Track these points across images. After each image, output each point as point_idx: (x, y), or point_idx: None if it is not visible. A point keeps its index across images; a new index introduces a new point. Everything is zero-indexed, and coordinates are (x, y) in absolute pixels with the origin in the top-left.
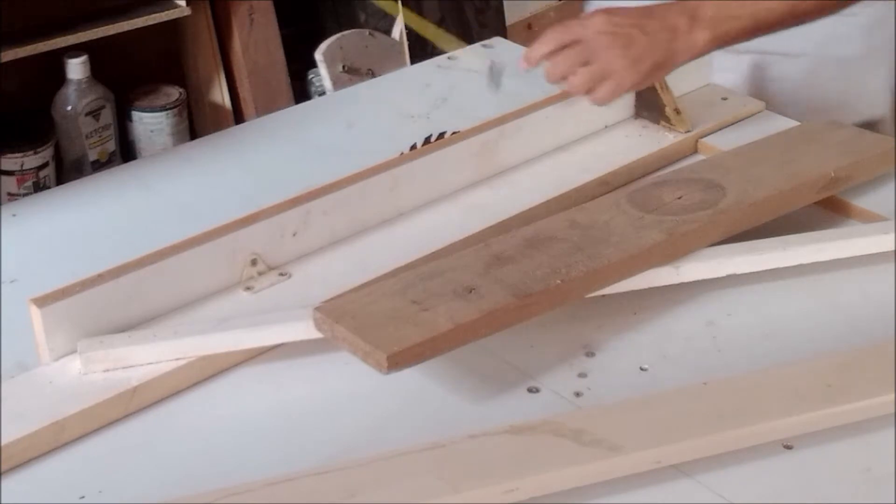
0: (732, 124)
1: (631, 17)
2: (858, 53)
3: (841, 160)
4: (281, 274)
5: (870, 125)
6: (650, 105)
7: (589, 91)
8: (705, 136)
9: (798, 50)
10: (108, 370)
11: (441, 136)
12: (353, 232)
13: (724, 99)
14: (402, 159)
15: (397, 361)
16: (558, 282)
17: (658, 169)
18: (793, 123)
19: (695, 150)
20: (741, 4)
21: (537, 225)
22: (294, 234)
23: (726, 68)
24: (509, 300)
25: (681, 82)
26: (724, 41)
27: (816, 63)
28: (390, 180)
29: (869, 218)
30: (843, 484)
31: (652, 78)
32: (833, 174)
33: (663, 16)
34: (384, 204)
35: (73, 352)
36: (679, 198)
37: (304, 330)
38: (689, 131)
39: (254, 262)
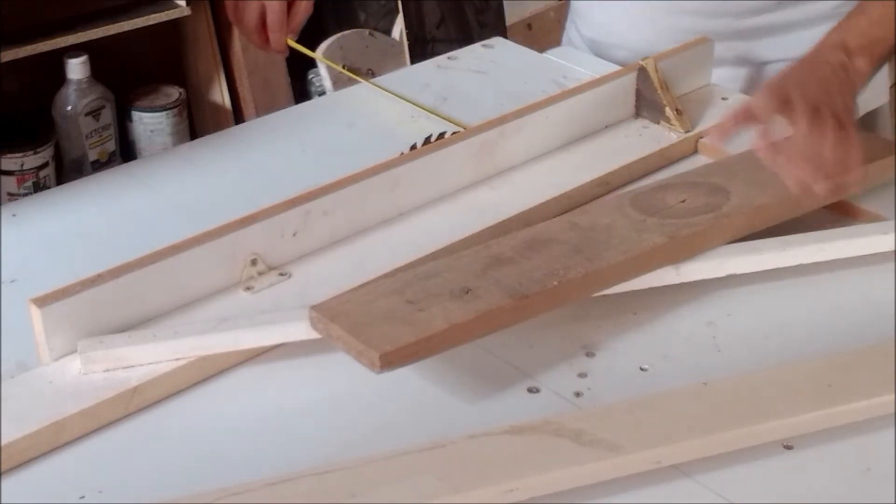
0: None
1: (799, 79)
2: None
3: None
4: (281, 274)
5: (869, 115)
6: (650, 105)
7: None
8: (705, 136)
9: (800, 54)
10: (108, 370)
11: (441, 136)
12: (353, 232)
13: (724, 99)
14: (402, 159)
15: (390, 361)
16: (555, 283)
17: (658, 169)
18: None
19: (695, 150)
20: (879, 26)
21: (537, 227)
22: (294, 234)
23: (726, 79)
24: (505, 301)
25: (681, 82)
26: (879, 62)
27: None
28: (390, 180)
29: (869, 218)
30: (843, 484)
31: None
32: None
33: (825, 62)
34: (384, 204)
35: (73, 352)
36: (683, 201)
37: (304, 330)
38: (689, 131)
39: (254, 262)
